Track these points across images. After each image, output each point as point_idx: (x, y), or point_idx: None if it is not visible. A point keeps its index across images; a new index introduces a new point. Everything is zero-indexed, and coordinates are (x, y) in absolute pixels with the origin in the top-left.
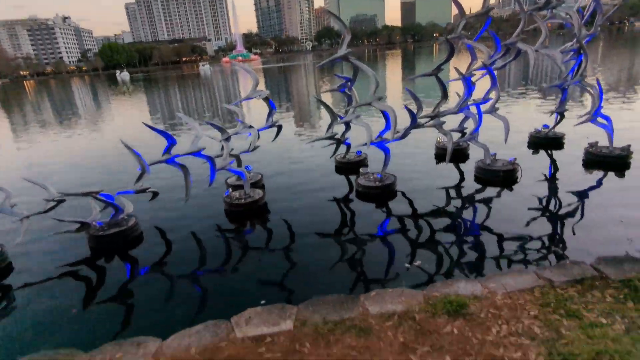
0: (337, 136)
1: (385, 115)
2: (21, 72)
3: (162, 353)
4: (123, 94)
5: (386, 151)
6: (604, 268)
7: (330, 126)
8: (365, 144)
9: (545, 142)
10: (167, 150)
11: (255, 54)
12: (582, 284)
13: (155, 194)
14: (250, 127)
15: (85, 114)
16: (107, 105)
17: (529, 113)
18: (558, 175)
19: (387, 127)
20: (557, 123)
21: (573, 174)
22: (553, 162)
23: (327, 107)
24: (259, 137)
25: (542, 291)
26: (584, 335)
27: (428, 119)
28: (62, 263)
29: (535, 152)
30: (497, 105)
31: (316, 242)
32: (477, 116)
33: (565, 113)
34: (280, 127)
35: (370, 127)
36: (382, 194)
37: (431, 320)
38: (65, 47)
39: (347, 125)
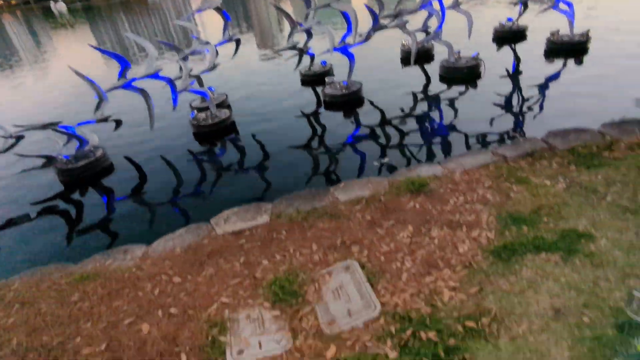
0: (298, 46)
1: (345, 16)
2: None
3: (148, 255)
4: (64, 27)
5: (350, 57)
6: (552, 140)
7: (290, 35)
8: (328, 51)
9: (510, 35)
10: (122, 74)
11: None
12: (533, 156)
13: (118, 123)
14: (207, 43)
15: (27, 54)
16: (48, 42)
17: (493, 7)
18: (521, 67)
19: (349, 31)
20: (520, 14)
21: (535, 64)
22: (516, 56)
23: (285, 14)
24: (217, 54)
25: (497, 166)
26: (530, 195)
27: (391, 19)
28: (36, 199)
29: (500, 46)
30: (460, 0)
31: (288, 157)
32: (439, 13)
33: (529, 3)
34: (238, 42)
35: (333, 32)
36: (349, 101)
37: (395, 200)
38: None
39: (309, 34)
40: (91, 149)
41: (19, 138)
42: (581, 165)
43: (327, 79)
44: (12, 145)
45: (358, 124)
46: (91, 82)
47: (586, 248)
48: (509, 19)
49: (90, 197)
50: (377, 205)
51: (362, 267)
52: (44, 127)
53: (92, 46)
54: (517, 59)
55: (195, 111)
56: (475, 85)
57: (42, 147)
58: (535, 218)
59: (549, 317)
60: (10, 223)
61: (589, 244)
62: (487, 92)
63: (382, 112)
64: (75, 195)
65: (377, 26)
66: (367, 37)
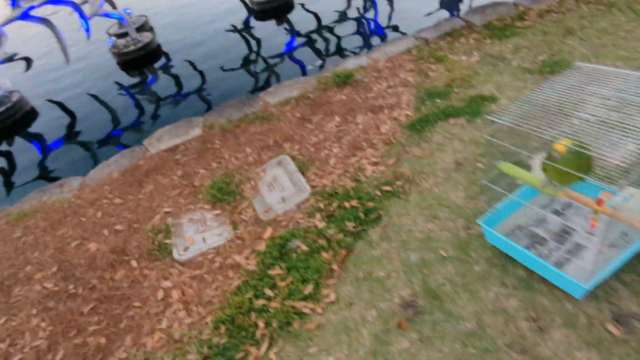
0: None
1: None
2: None
3: (86, 185)
4: None
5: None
6: (470, 18)
7: None
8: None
9: None
10: (15, 3)
11: None
12: (452, 35)
13: (28, 61)
14: None
15: None
16: None
17: None
18: None
19: None
20: None
21: None
22: None
23: None
24: None
25: (418, 49)
26: (445, 71)
27: None
28: None
29: None
30: None
31: (222, 75)
32: None
33: None
34: None
35: None
36: (279, 7)
37: (323, 95)
38: None
39: None
40: (5, 94)
41: None
42: (495, 38)
43: None
44: None
45: (292, 30)
46: None
47: (488, 108)
48: None
49: (20, 147)
50: (306, 102)
51: (294, 159)
52: None
53: None
54: None
55: (114, 38)
56: None
57: None
58: (448, 90)
59: (452, 169)
60: None
61: (491, 104)
62: None
63: (315, 14)
64: (3, 147)
65: None
66: None
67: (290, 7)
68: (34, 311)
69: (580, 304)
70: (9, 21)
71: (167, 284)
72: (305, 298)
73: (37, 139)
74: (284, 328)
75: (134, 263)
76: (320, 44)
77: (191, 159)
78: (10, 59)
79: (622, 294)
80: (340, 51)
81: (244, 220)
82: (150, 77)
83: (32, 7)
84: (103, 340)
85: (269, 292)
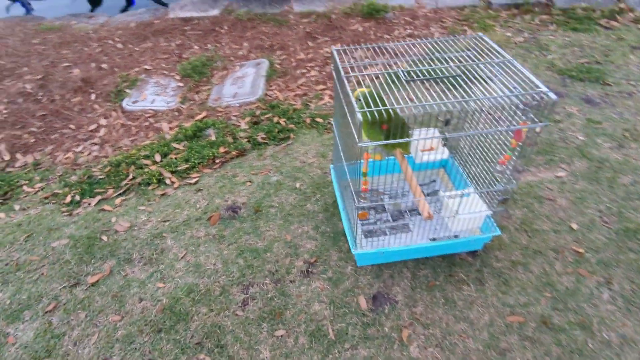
0: None
1: None
2: None
3: (107, 24)
4: None
5: None
6: None
7: None
8: None
9: None
10: None
11: None
12: (520, 8)
13: None
14: None
15: None
16: None
17: None
18: None
19: None
20: None
21: None
22: None
23: None
24: None
25: (473, 10)
26: None
27: None
28: None
29: None
30: None
31: None
32: None
33: None
34: None
35: None
36: None
37: (344, 19)
38: None
39: None
40: None
41: None
42: (562, 25)
43: None
44: None
45: None
46: None
47: None
48: None
49: None
50: (323, 21)
51: (271, 66)
52: None
53: None
54: None
55: None
56: None
57: None
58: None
59: None
60: None
61: None
62: None
63: None
64: None
65: None
66: None
67: None
68: (5, 100)
69: (358, 272)
70: None
71: (103, 121)
72: (174, 172)
73: None
74: (142, 185)
75: (92, 96)
76: None
77: (196, 34)
78: None
79: (402, 283)
80: None
81: (194, 99)
82: None
83: None
84: (32, 140)
85: (157, 157)
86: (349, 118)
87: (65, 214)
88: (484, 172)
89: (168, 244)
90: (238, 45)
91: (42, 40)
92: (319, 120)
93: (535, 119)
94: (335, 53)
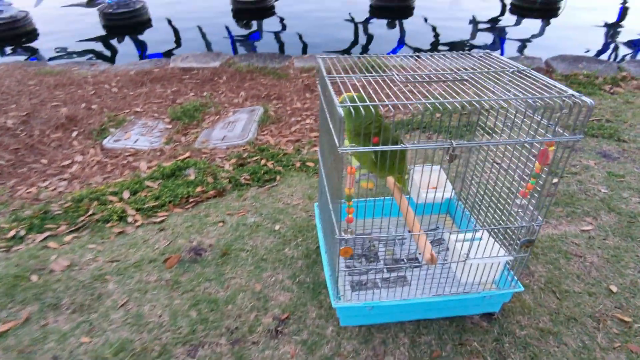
0: None
1: None
2: None
3: (108, 71)
4: None
5: None
6: (555, 62)
7: None
8: None
9: None
10: None
11: None
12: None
13: None
14: None
15: None
16: None
17: None
18: None
19: None
20: None
21: None
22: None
23: None
24: None
25: None
26: None
27: None
28: (80, 38)
29: None
30: None
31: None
32: None
33: None
34: None
35: None
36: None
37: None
38: None
39: None
40: (133, 0)
41: None
42: None
43: None
44: None
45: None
46: None
47: None
48: None
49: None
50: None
51: (265, 113)
52: None
53: None
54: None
55: None
56: None
57: None
58: None
59: None
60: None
61: None
62: None
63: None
64: (113, 41)
65: None
66: None
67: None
68: None
69: (342, 334)
70: None
71: (78, 158)
72: (140, 209)
73: (142, 46)
74: (100, 222)
75: (74, 133)
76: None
77: (193, 83)
78: None
79: (397, 351)
80: None
81: (180, 140)
82: (255, 34)
83: None
84: None
85: (125, 194)
86: (329, 121)
87: (2, 249)
88: (500, 210)
89: (109, 288)
90: (234, 94)
91: (38, 82)
92: (310, 164)
93: (563, 134)
94: (321, 62)
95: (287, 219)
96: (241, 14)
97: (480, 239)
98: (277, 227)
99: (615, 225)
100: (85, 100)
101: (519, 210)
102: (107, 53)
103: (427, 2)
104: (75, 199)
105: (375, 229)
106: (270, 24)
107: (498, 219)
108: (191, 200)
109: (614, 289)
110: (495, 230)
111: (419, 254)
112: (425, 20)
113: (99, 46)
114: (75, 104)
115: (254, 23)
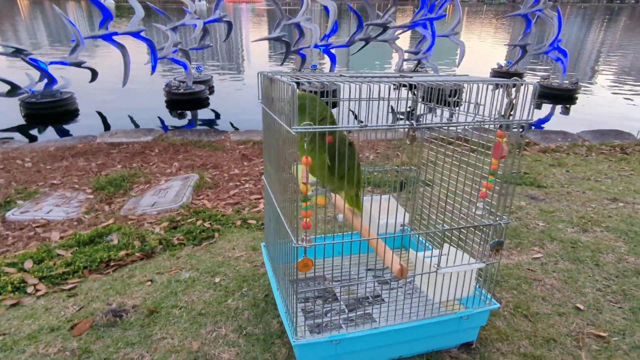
0: (284, 38)
1: (326, 10)
2: None
3: (23, 148)
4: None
5: (331, 57)
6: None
7: (277, 25)
8: (309, 47)
9: (507, 77)
10: (103, 24)
11: None
12: None
13: (94, 74)
14: (198, 18)
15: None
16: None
17: (494, 49)
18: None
19: (334, 30)
20: (520, 58)
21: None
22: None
23: (275, 3)
24: (207, 33)
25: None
26: None
27: (379, 29)
28: None
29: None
30: (456, 30)
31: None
32: (430, 35)
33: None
34: (230, 24)
35: (318, 30)
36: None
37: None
38: None
39: (300, 30)
40: (60, 90)
41: None
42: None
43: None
44: None
45: None
46: (71, 25)
47: None
48: (509, 62)
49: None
50: (261, 147)
51: (201, 179)
52: (16, 51)
53: None
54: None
55: (171, 79)
56: None
57: (16, 78)
58: None
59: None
60: None
61: None
62: None
63: None
64: (33, 131)
65: (360, 31)
66: (350, 42)
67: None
68: None
69: None
70: (93, 37)
71: None
72: (45, 277)
73: (64, 133)
74: None
75: None
76: None
77: (122, 156)
78: (78, 64)
79: None
80: None
81: (103, 209)
82: (190, 123)
83: (116, 33)
84: None
85: (28, 264)
86: (277, 108)
87: None
88: (463, 218)
89: None
90: (167, 164)
91: None
92: (252, 222)
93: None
94: (261, 77)
95: (229, 270)
96: (174, 105)
97: (448, 252)
98: (217, 280)
99: (561, 251)
100: None
101: (483, 212)
102: (25, 140)
103: None
104: None
105: (330, 269)
106: (204, 114)
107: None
108: (112, 264)
109: (581, 307)
110: (462, 235)
111: (386, 268)
112: None
113: (16, 135)
114: None
115: (188, 113)
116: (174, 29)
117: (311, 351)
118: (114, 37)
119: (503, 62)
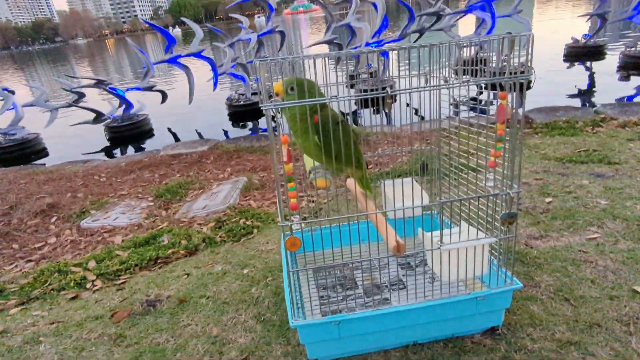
0: (336, 40)
1: (374, 7)
2: (103, 32)
3: (100, 165)
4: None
5: (383, 55)
6: (534, 114)
7: (328, 29)
8: (360, 45)
9: (584, 52)
10: (169, 49)
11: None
12: None
13: (164, 95)
14: (252, 32)
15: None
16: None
17: (567, 20)
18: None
19: (384, 26)
20: (599, 29)
21: (607, 82)
22: (591, 73)
23: (323, 7)
24: (262, 45)
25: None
26: None
27: (432, 18)
28: (86, 150)
29: (571, 64)
30: (519, 7)
31: None
32: (489, 17)
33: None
34: (283, 34)
35: (369, 28)
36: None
37: None
38: (139, 6)
39: (351, 30)
40: (136, 113)
41: (81, 96)
42: (548, 135)
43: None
44: (75, 102)
45: None
46: (142, 53)
47: None
48: (586, 35)
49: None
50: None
51: (249, 182)
52: (97, 83)
53: (145, 21)
54: (591, 78)
55: (232, 93)
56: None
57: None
58: None
59: None
60: None
61: None
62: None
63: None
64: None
65: (412, 22)
66: (403, 36)
67: None
68: None
69: None
70: (160, 62)
71: (52, 239)
72: (104, 274)
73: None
74: (55, 291)
75: (53, 219)
76: None
77: (181, 166)
78: (150, 88)
79: None
80: None
81: (161, 215)
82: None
83: (180, 55)
84: None
85: (91, 264)
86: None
87: None
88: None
89: (40, 350)
90: (220, 170)
91: (29, 180)
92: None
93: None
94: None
95: (259, 262)
96: (236, 117)
97: (459, 229)
98: (245, 271)
99: (624, 231)
100: (72, 191)
101: (495, 183)
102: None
103: None
104: (37, 274)
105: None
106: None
107: (475, 203)
108: (159, 261)
109: (639, 289)
110: (481, 212)
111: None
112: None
113: (101, 156)
114: (61, 194)
115: (249, 124)
116: (232, 45)
117: (312, 333)
118: (179, 60)
119: (579, 36)
